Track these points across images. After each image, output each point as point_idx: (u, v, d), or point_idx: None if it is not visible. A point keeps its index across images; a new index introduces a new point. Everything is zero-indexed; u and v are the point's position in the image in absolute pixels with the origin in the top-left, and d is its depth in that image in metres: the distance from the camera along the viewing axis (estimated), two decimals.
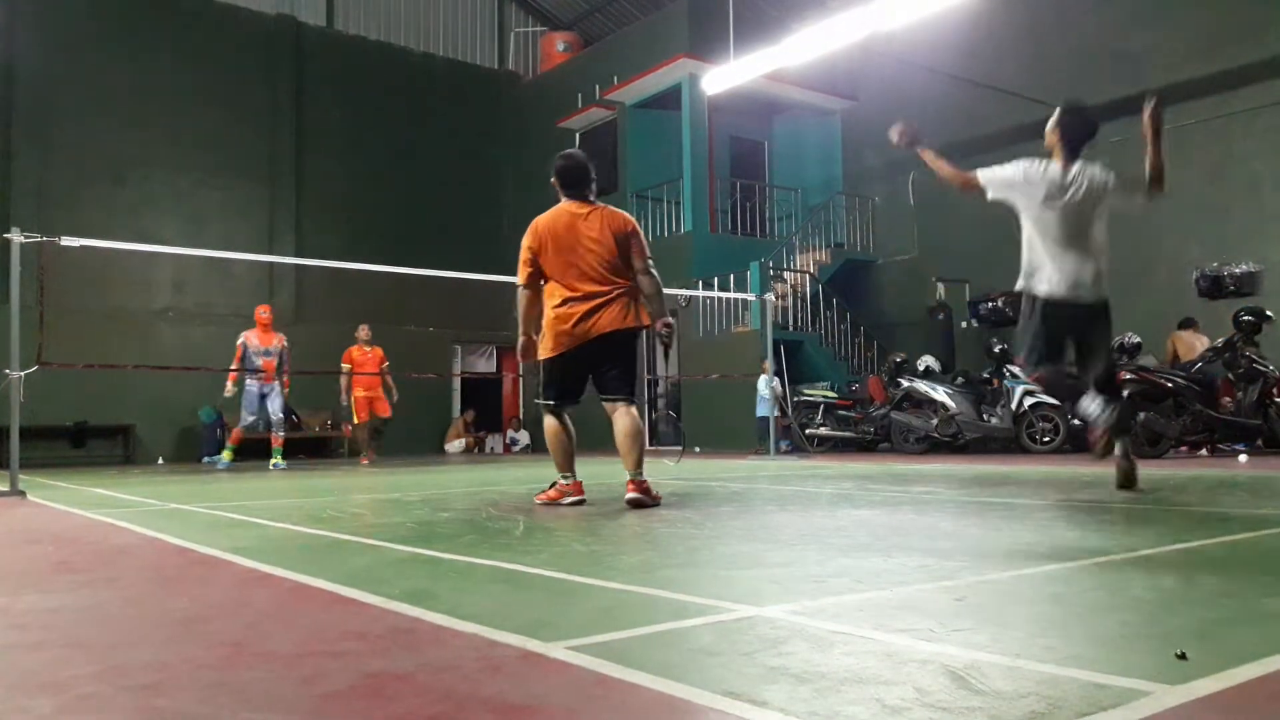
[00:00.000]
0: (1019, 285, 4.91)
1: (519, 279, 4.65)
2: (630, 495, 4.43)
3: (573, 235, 4.55)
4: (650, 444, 14.98)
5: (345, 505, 4.94)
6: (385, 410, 11.60)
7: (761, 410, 11.70)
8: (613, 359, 4.58)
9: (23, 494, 5.94)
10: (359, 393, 11.49)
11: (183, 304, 14.54)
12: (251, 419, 10.26)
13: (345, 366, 11.45)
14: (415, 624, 1.94)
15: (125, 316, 13.76)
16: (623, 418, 4.57)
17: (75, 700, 1.44)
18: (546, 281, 4.63)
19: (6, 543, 3.61)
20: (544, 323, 4.62)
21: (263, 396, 10.27)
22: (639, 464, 4.54)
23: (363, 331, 11.64)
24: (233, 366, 10.12)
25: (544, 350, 4.63)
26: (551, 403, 4.66)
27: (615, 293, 4.53)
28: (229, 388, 10.27)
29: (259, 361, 10.14)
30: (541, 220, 4.66)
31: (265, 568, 2.76)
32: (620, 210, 4.78)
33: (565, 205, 4.68)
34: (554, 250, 4.55)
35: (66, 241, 6.50)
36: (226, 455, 10.53)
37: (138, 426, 13.72)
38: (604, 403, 4.66)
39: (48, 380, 7.68)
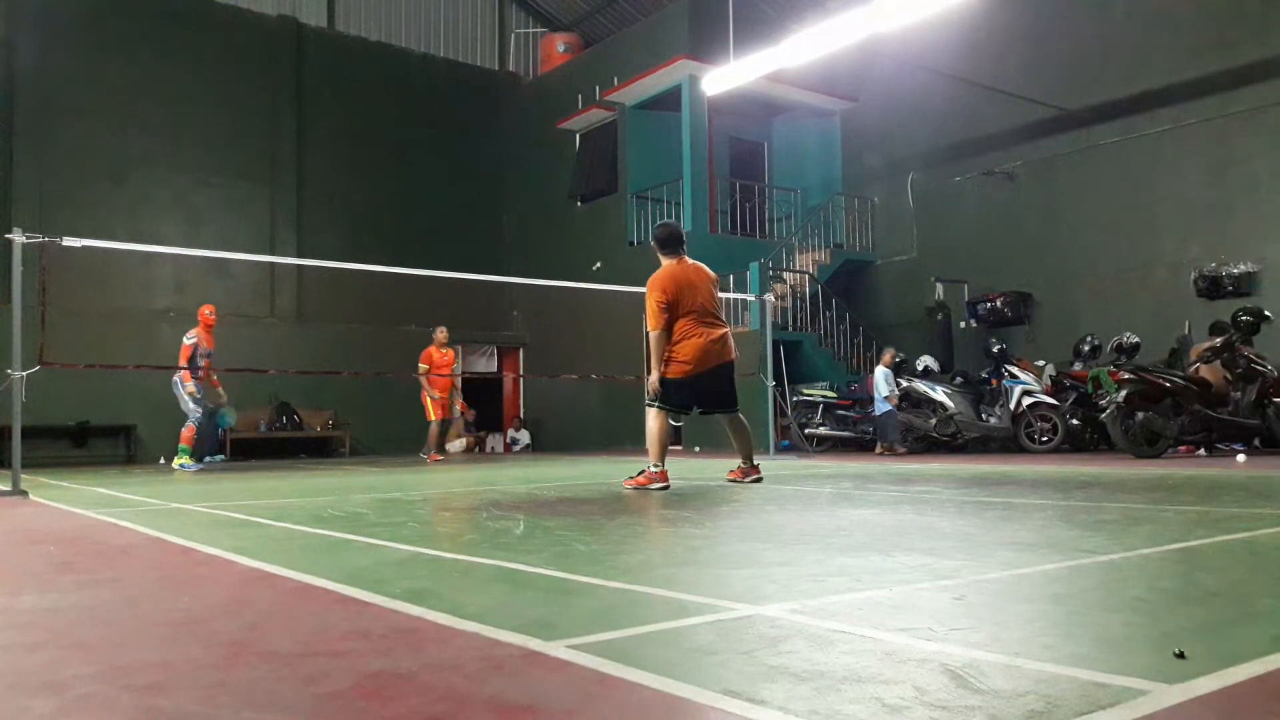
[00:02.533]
0: None
1: (656, 326, 5.76)
2: (753, 477, 6.07)
3: (690, 283, 5.80)
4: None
5: (346, 505, 4.94)
6: (461, 407, 11.69)
7: (883, 406, 10.99)
8: (727, 381, 5.94)
9: (25, 494, 5.95)
10: (436, 393, 11.50)
11: (184, 304, 14.50)
12: (200, 412, 10.11)
13: (423, 367, 11.49)
14: (417, 623, 1.94)
15: (126, 316, 13.76)
16: (738, 422, 6.06)
17: (76, 700, 1.45)
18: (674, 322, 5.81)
19: (8, 542, 3.62)
20: (673, 350, 5.74)
21: (203, 396, 10.18)
22: (751, 454, 6.17)
23: (440, 334, 11.57)
24: (182, 365, 9.91)
25: (676, 371, 5.75)
26: (674, 409, 5.87)
27: (726, 328, 5.94)
28: (191, 388, 10.03)
29: (201, 363, 10.02)
30: (664, 275, 5.83)
31: (267, 567, 2.76)
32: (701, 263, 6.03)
33: (672, 262, 5.89)
34: (685, 296, 5.75)
35: (68, 242, 6.50)
36: (185, 458, 10.12)
37: (139, 426, 13.72)
38: (719, 414, 6.07)
39: (49, 380, 7.69)
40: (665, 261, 5.93)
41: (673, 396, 5.82)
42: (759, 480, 6.07)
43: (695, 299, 5.81)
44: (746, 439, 6.16)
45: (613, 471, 7.81)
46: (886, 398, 10.93)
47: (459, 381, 11.76)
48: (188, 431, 10.20)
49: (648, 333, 5.91)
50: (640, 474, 5.73)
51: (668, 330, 5.80)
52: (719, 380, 5.91)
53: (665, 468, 5.72)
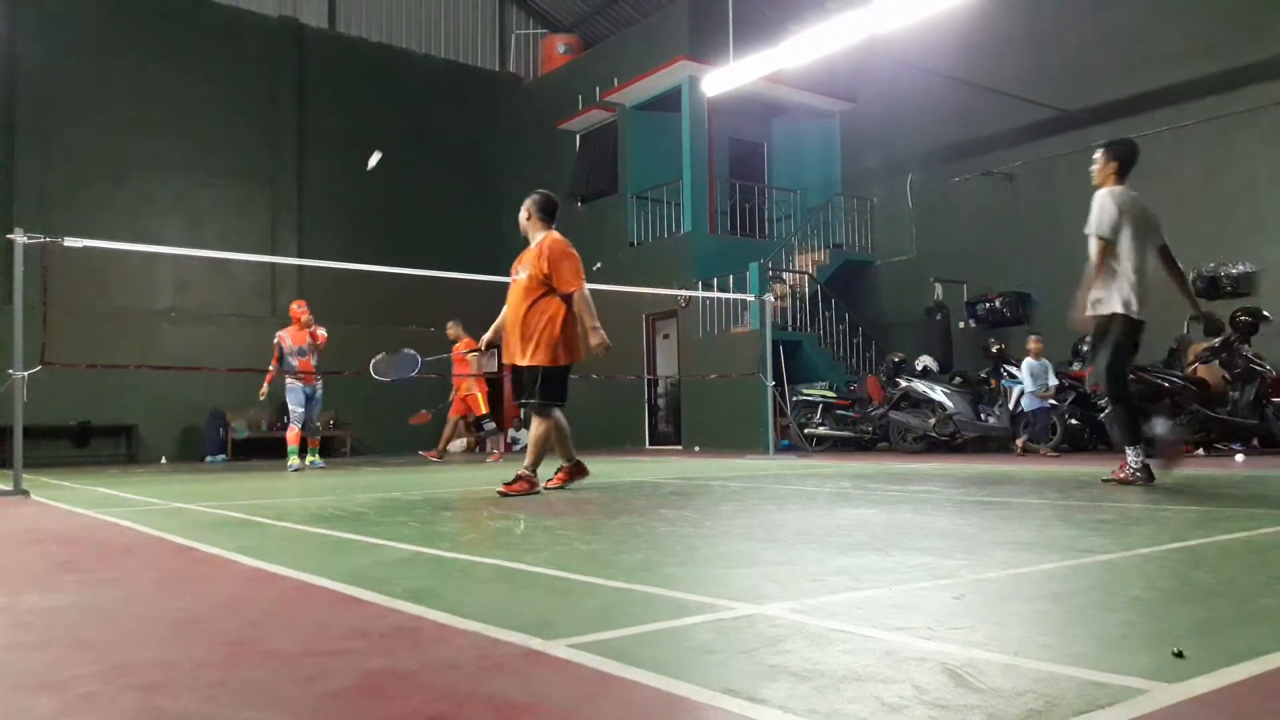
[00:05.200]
0: (1120, 310, 5.09)
1: (583, 283, 5.34)
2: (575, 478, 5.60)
3: None
4: (651, 443, 14.99)
5: (347, 504, 4.94)
6: (479, 407, 11.34)
7: (1030, 403, 9.91)
8: None
9: (26, 493, 5.96)
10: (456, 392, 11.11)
11: (185, 304, 14.55)
12: (300, 410, 9.70)
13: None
14: (417, 622, 1.95)
15: (128, 317, 13.77)
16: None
17: (77, 699, 1.45)
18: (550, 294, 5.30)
19: (10, 542, 3.62)
20: (564, 332, 5.29)
21: (309, 396, 9.76)
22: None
23: (451, 329, 11.20)
24: (270, 367, 9.67)
25: (568, 356, 5.31)
26: (560, 403, 5.35)
27: None
28: (264, 389, 9.83)
29: (295, 362, 9.67)
30: (568, 243, 5.41)
31: (268, 567, 2.77)
32: None
33: (557, 233, 5.48)
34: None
35: (69, 242, 6.51)
36: (293, 459, 9.80)
37: (140, 426, 13.74)
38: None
39: (51, 380, 7.70)
40: (539, 230, 5.51)
41: (564, 388, 5.38)
42: (563, 486, 5.55)
43: None
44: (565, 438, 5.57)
45: (613, 471, 7.81)
46: (1034, 392, 9.85)
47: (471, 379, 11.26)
48: (289, 432, 9.87)
49: (571, 295, 5.30)
50: (516, 480, 5.27)
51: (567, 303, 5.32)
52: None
53: (537, 474, 5.30)
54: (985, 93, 12.72)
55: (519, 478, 5.24)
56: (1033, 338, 10.28)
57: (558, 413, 5.34)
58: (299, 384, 9.71)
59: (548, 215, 5.53)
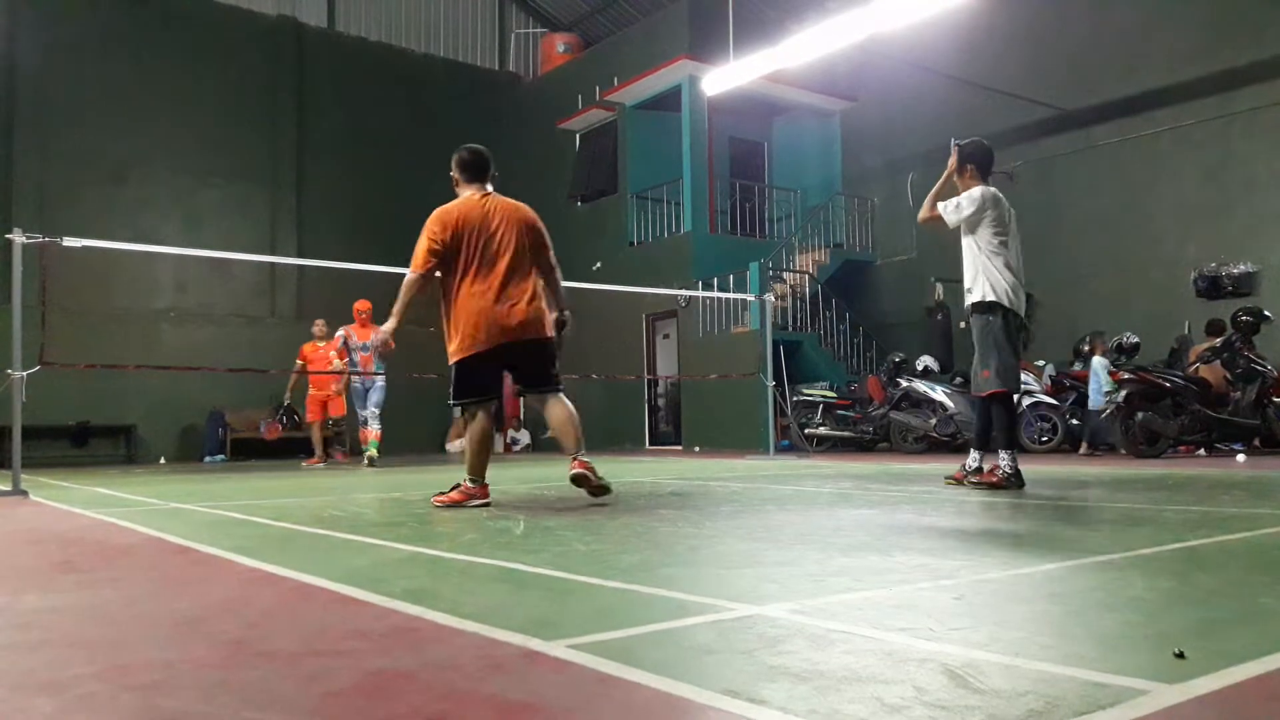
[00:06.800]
0: (993, 298, 5.12)
1: (416, 268, 4.54)
2: (588, 479, 4.56)
3: (486, 226, 4.55)
4: (652, 444, 14.97)
5: (347, 505, 4.94)
6: (340, 409, 11.02)
7: (1098, 401, 9.51)
8: (534, 358, 4.64)
9: (25, 493, 5.95)
10: (311, 391, 11.03)
11: (184, 304, 14.55)
12: (365, 412, 10.26)
13: (299, 364, 10.86)
14: (417, 623, 1.94)
15: (127, 317, 13.77)
16: (558, 407, 4.64)
17: (77, 700, 1.45)
18: (448, 274, 4.58)
19: (9, 542, 3.62)
20: (457, 319, 4.55)
21: (366, 390, 10.27)
22: (581, 444, 4.62)
23: (317, 327, 11.06)
24: (340, 364, 10.10)
25: (461, 350, 4.52)
26: (473, 401, 4.59)
27: (529, 289, 4.57)
28: (340, 388, 10.31)
29: (358, 357, 10.09)
30: (449, 208, 4.60)
31: (267, 567, 2.76)
32: (518, 201, 4.76)
33: (471, 194, 4.67)
34: (474, 241, 4.51)
35: (68, 242, 6.50)
36: (372, 451, 10.14)
37: (139, 426, 13.73)
38: (534, 395, 4.75)
39: (50, 380, 7.69)
40: (463, 193, 4.72)
41: (465, 385, 4.57)
42: (603, 490, 4.62)
43: (491, 248, 4.52)
44: (570, 425, 4.62)
45: (613, 472, 7.80)
46: (1107, 394, 9.33)
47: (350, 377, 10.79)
48: (361, 433, 10.32)
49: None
50: (454, 489, 4.62)
51: (428, 280, 4.59)
52: (530, 359, 4.63)
53: (487, 481, 4.63)
54: (985, 92, 12.72)
55: (455, 487, 4.64)
56: (1099, 338, 10.04)
57: (479, 417, 4.59)
58: (357, 381, 10.18)
59: (468, 173, 4.73)
